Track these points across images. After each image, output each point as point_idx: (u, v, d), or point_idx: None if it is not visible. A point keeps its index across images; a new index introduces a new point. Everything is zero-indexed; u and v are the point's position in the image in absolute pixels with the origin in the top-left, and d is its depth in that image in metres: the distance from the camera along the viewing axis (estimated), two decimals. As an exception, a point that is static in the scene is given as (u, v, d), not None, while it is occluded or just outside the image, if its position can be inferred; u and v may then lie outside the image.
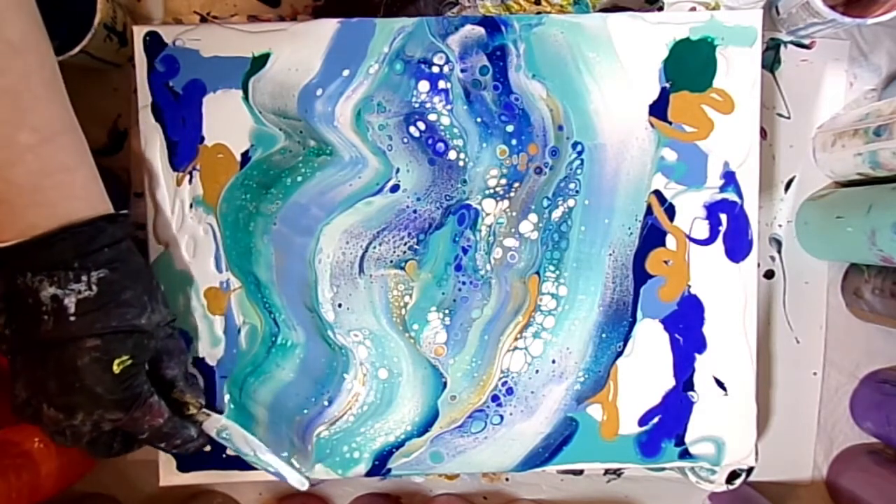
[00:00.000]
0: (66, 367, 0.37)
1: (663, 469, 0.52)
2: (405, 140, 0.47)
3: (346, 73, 0.46)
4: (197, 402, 0.44)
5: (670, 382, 0.48)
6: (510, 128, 0.47)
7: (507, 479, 0.55)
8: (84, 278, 0.37)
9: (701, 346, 0.48)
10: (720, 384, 0.48)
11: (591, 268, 0.47)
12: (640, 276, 0.47)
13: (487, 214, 0.47)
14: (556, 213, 0.47)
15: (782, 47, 0.53)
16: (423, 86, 0.47)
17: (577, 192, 0.47)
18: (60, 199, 0.38)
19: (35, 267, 0.37)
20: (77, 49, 0.46)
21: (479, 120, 0.47)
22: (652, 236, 0.47)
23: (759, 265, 0.49)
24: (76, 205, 0.38)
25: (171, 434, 0.41)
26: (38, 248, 0.37)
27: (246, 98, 0.47)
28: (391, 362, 0.47)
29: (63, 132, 0.38)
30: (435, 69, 0.47)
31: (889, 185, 0.46)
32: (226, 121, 0.47)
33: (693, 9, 0.48)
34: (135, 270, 0.40)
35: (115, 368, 0.38)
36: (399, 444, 0.47)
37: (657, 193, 0.47)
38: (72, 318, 0.37)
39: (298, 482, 0.45)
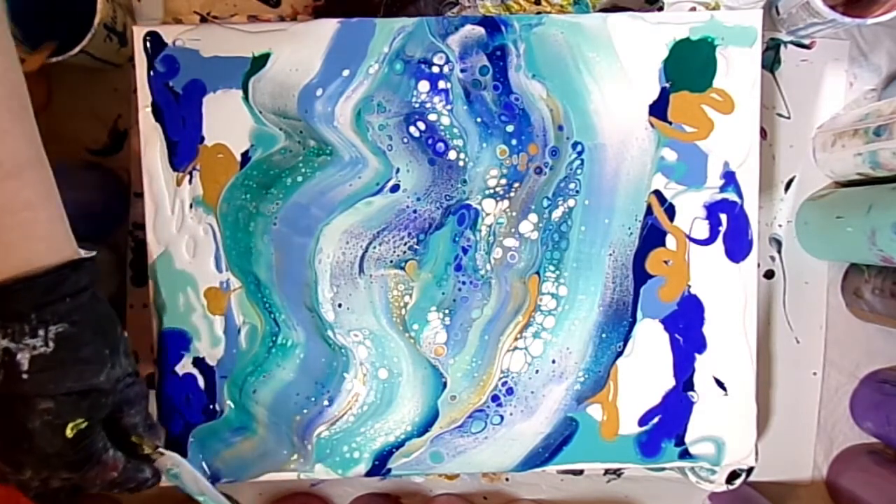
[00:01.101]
0: (15, 426, 0.35)
1: (663, 469, 0.52)
2: (405, 140, 0.47)
3: (346, 73, 0.46)
4: (153, 446, 0.41)
5: (670, 382, 0.48)
6: (510, 128, 0.47)
7: (507, 479, 0.55)
8: (41, 333, 0.34)
9: (701, 346, 0.48)
10: (720, 384, 0.48)
11: (591, 268, 0.47)
12: (640, 276, 0.47)
13: (487, 214, 0.47)
14: (556, 213, 0.47)
15: (782, 47, 0.53)
16: (423, 86, 0.47)
17: (577, 192, 0.47)
18: (21, 240, 0.35)
19: None
20: (77, 49, 0.46)
21: (479, 120, 0.47)
22: (652, 236, 0.47)
23: (759, 265, 0.49)
24: (38, 247, 0.35)
25: (123, 482, 0.39)
26: None
27: (246, 98, 0.47)
28: (391, 362, 0.47)
29: (29, 167, 0.35)
30: (435, 69, 0.47)
31: (889, 185, 0.46)
32: (226, 121, 0.47)
33: (693, 9, 0.48)
34: (97, 322, 0.37)
35: (69, 433, 0.35)
36: (399, 444, 0.47)
37: (657, 193, 0.47)
38: (24, 376, 0.34)
39: None
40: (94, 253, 0.38)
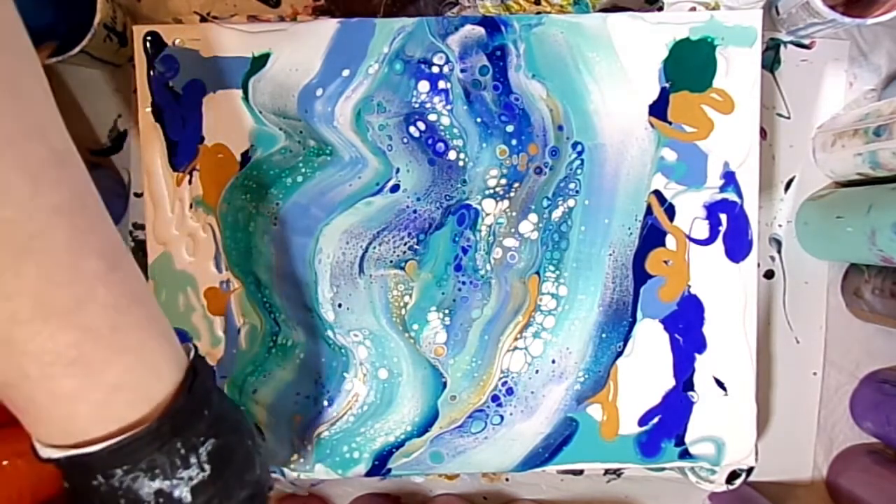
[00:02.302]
0: None
1: (663, 469, 0.52)
2: (405, 140, 0.47)
3: (345, 73, 0.46)
4: None
5: (670, 382, 0.48)
6: (510, 128, 0.47)
7: (507, 479, 0.55)
8: (193, 460, 0.29)
9: (701, 346, 0.48)
10: (720, 384, 0.48)
11: (591, 268, 0.47)
12: (640, 276, 0.47)
13: (487, 214, 0.47)
14: (556, 213, 0.47)
15: (782, 47, 0.53)
16: (423, 86, 0.47)
17: (577, 192, 0.47)
18: (143, 352, 0.29)
19: (128, 459, 0.28)
20: (77, 49, 0.46)
21: (479, 120, 0.47)
22: (652, 236, 0.47)
23: (759, 265, 0.49)
24: (164, 360, 0.30)
25: None
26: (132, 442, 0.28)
27: (246, 98, 0.47)
28: (391, 362, 0.47)
29: (125, 254, 0.29)
30: (435, 69, 0.47)
31: (889, 185, 0.46)
32: (226, 121, 0.47)
33: (693, 9, 0.48)
34: (233, 419, 0.33)
35: None
36: (399, 444, 0.47)
37: (657, 193, 0.47)
38: None
39: None
40: (192, 345, 0.33)
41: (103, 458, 0.27)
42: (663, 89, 0.47)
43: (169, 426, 0.29)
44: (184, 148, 0.47)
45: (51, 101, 0.27)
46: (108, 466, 0.28)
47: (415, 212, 0.47)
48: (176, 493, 0.29)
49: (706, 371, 0.48)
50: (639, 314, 0.48)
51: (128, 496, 0.28)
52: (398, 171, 0.47)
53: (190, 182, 0.47)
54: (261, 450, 0.34)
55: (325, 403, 0.47)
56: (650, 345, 0.48)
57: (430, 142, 0.47)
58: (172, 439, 0.29)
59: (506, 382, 0.48)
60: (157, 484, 0.28)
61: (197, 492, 0.29)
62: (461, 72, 0.47)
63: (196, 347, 0.33)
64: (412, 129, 0.47)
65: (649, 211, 0.47)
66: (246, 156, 0.47)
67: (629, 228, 0.47)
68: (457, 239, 0.47)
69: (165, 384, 0.29)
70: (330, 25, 0.46)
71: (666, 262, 0.47)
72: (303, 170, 0.47)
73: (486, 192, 0.47)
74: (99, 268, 0.27)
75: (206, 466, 0.29)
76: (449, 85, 0.47)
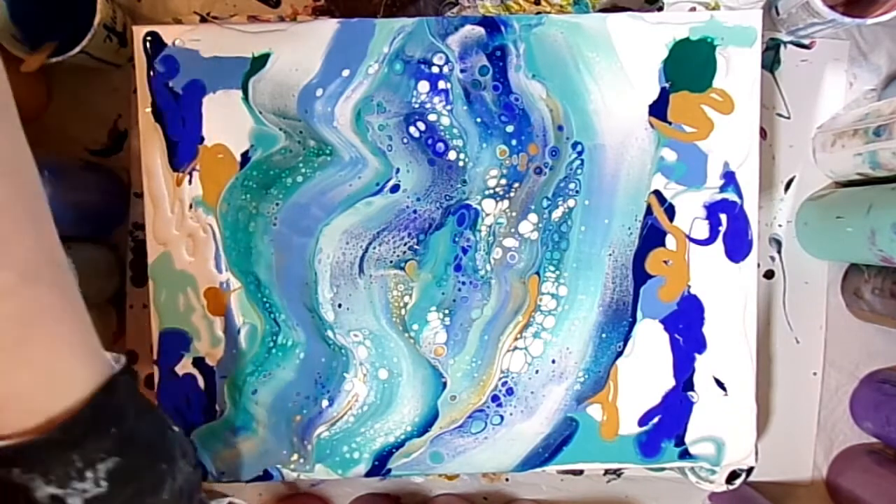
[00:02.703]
0: None
1: (663, 469, 0.52)
2: (405, 140, 0.47)
3: (345, 73, 0.46)
4: None
5: (670, 382, 0.48)
6: (510, 128, 0.47)
7: (507, 479, 0.55)
8: (89, 475, 0.30)
9: (701, 346, 0.48)
10: (720, 384, 0.48)
11: (591, 268, 0.47)
12: (640, 276, 0.47)
13: (487, 215, 0.47)
14: (556, 214, 0.47)
15: (782, 47, 0.53)
16: (423, 86, 0.47)
17: (577, 192, 0.47)
18: (50, 361, 0.29)
19: (23, 462, 0.29)
20: (77, 49, 0.46)
21: (478, 120, 0.47)
22: (652, 236, 0.47)
23: (759, 265, 0.49)
24: (70, 372, 0.30)
25: None
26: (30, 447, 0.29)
27: (246, 98, 0.47)
28: (391, 362, 0.47)
29: (52, 266, 0.30)
30: (435, 69, 0.47)
31: (889, 185, 0.46)
32: (226, 121, 0.47)
33: (693, 9, 0.48)
34: (148, 442, 0.33)
35: None
36: (399, 445, 0.47)
37: (657, 193, 0.47)
38: None
39: None
40: (123, 358, 0.33)
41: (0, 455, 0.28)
42: (663, 89, 0.47)
43: (63, 439, 0.29)
44: (184, 148, 0.47)
45: None
46: (6, 465, 0.29)
47: (415, 212, 0.47)
48: (69, 502, 0.29)
49: (706, 371, 0.48)
50: (639, 314, 0.47)
51: (26, 494, 0.29)
52: (398, 171, 0.47)
53: (190, 182, 0.47)
54: (177, 476, 0.34)
55: (325, 403, 0.47)
56: (650, 345, 0.48)
57: (430, 142, 0.47)
58: (67, 452, 0.29)
59: (506, 382, 0.48)
60: (51, 489, 0.29)
61: None
62: (461, 72, 0.47)
63: (129, 368, 0.33)
64: (412, 129, 0.47)
65: (649, 211, 0.47)
66: (246, 156, 0.47)
67: (629, 228, 0.47)
68: (457, 239, 0.47)
69: (67, 399, 0.30)
70: (330, 25, 0.46)
71: (666, 262, 0.47)
72: (303, 170, 0.47)
73: (486, 193, 0.47)
74: (8, 280, 0.28)
75: (103, 483, 0.30)
76: (449, 85, 0.47)
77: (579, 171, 0.47)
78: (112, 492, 0.30)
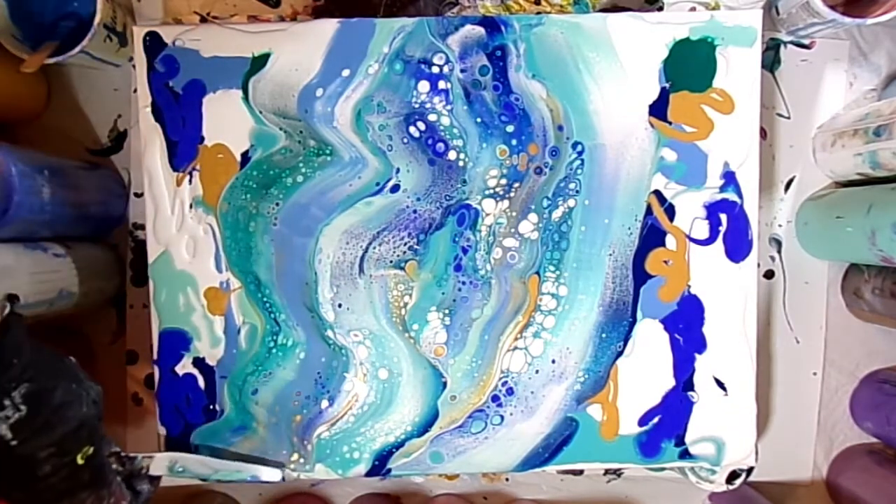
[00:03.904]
0: (28, 477, 0.36)
1: (663, 469, 0.52)
2: (405, 140, 0.47)
3: (345, 73, 0.46)
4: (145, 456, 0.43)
5: (670, 382, 0.48)
6: (510, 128, 0.47)
7: (507, 479, 0.55)
8: (7, 402, 0.35)
9: (701, 346, 0.48)
10: (720, 384, 0.48)
11: (591, 268, 0.47)
12: (640, 276, 0.47)
13: (487, 214, 0.47)
14: (557, 214, 0.47)
15: (782, 47, 0.53)
16: (423, 86, 0.47)
17: (577, 192, 0.47)
18: None
19: None
20: (77, 49, 0.46)
21: (479, 120, 0.47)
22: (652, 236, 0.47)
23: (759, 265, 0.49)
24: None
25: None
26: None
27: (246, 98, 0.47)
28: (391, 362, 0.47)
29: None
30: (435, 69, 0.47)
31: (889, 185, 0.46)
32: (226, 121, 0.47)
33: (693, 9, 0.48)
34: (51, 365, 0.38)
35: (80, 461, 0.37)
36: (399, 445, 0.47)
37: (657, 193, 0.47)
38: (14, 443, 0.35)
39: (273, 475, 0.46)
40: (8, 305, 0.38)
41: None
42: (663, 89, 0.47)
43: None
44: (184, 148, 0.47)
45: None
46: None
47: (415, 212, 0.47)
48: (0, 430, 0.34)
49: (706, 371, 0.48)
50: (639, 314, 0.47)
51: None
52: (398, 171, 0.47)
53: (190, 182, 0.47)
54: (90, 391, 0.39)
55: (325, 403, 0.47)
56: (650, 345, 0.48)
57: (430, 142, 0.47)
58: None
59: (506, 382, 0.48)
60: None
61: (16, 429, 0.35)
62: (461, 72, 0.47)
63: (12, 303, 0.38)
64: (412, 129, 0.47)
65: (649, 211, 0.47)
66: (246, 156, 0.47)
67: (629, 228, 0.47)
68: (457, 239, 0.47)
69: None
70: (330, 25, 0.46)
71: (666, 262, 0.47)
72: (303, 170, 0.47)
73: (486, 192, 0.47)
74: None
75: (22, 407, 0.35)
76: (449, 85, 0.47)
77: (579, 171, 0.47)
78: (31, 413, 0.35)
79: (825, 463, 0.55)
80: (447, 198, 0.47)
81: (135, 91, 0.47)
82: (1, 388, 0.35)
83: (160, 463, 0.43)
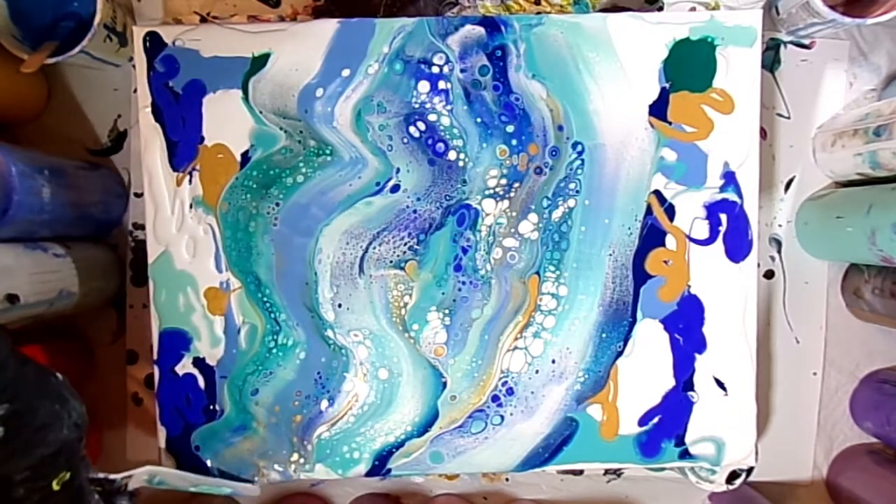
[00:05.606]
0: (3, 499, 0.34)
1: (663, 469, 0.52)
2: (405, 140, 0.47)
3: (345, 73, 0.46)
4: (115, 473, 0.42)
5: (670, 382, 0.48)
6: (510, 128, 0.47)
7: (507, 479, 0.55)
8: None
9: (701, 346, 0.48)
10: (720, 384, 0.48)
11: (591, 268, 0.47)
12: (640, 276, 0.47)
13: (487, 214, 0.47)
14: (557, 214, 0.47)
15: (782, 47, 0.53)
16: (423, 86, 0.47)
17: (577, 192, 0.47)
18: None
19: None
20: (77, 49, 0.46)
21: (479, 120, 0.47)
22: (652, 236, 0.47)
23: (759, 265, 0.49)
24: None
25: None
26: None
27: (246, 98, 0.47)
28: (391, 362, 0.47)
29: None
30: (435, 69, 0.47)
31: (889, 185, 0.46)
32: (226, 121, 0.47)
33: (693, 9, 0.48)
34: (35, 385, 0.36)
35: (55, 486, 0.36)
36: (399, 445, 0.47)
37: (657, 193, 0.47)
38: None
39: (251, 491, 0.46)
40: (6, 297, 0.38)
41: None
42: (663, 89, 0.47)
43: None
44: (184, 148, 0.47)
45: None
46: None
47: (415, 212, 0.47)
48: None
49: (706, 371, 0.48)
50: (639, 314, 0.47)
51: None
52: (398, 171, 0.47)
53: (190, 182, 0.47)
54: (72, 412, 0.37)
55: (326, 403, 0.47)
56: (650, 345, 0.48)
57: (430, 142, 0.47)
58: None
59: (506, 382, 0.48)
60: None
61: None
62: (461, 72, 0.47)
63: (12, 303, 0.37)
64: (412, 129, 0.47)
65: (649, 211, 0.47)
66: (246, 156, 0.47)
67: (629, 228, 0.47)
68: (457, 239, 0.47)
69: None
70: (330, 25, 0.46)
71: (666, 262, 0.47)
72: (303, 170, 0.47)
73: (486, 192, 0.47)
74: None
75: (0, 428, 0.33)
76: (449, 85, 0.47)
77: (579, 171, 0.47)
78: (11, 434, 0.34)
79: (825, 463, 0.55)
80: (447, 198, 0.47)
81: (135, 91, 0.47)
82: None
83: (139, 478, 0.42)
